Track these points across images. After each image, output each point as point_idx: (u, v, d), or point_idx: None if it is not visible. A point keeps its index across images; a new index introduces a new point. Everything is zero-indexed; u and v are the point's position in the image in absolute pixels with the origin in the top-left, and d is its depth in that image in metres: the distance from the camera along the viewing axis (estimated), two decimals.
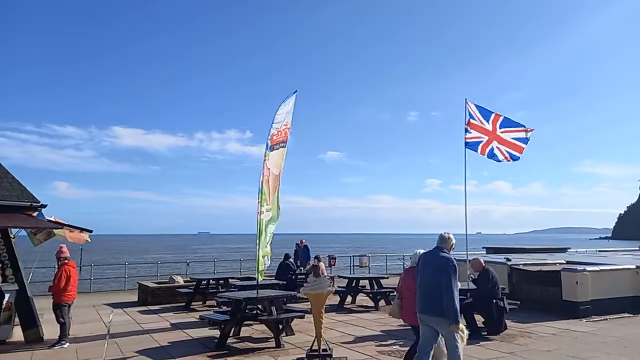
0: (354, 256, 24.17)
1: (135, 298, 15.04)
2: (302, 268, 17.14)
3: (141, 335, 9.56)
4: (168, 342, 8.81)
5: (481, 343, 8.43)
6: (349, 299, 13.48)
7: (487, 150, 10.59)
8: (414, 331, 5.98)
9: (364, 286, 13.78)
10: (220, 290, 13.43)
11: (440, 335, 5.51)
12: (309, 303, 9.40)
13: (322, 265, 14.54)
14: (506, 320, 9.43)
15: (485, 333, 9.08)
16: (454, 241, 5.72)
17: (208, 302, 13.70)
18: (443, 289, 5.21)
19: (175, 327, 10.41)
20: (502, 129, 10.59)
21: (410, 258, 6.45)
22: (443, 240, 5.66)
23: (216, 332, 9.21)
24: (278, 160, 9.07)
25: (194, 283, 13.99)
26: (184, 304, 13.40)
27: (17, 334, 9.10)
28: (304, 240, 18.80)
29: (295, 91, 9.42)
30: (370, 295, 12.96)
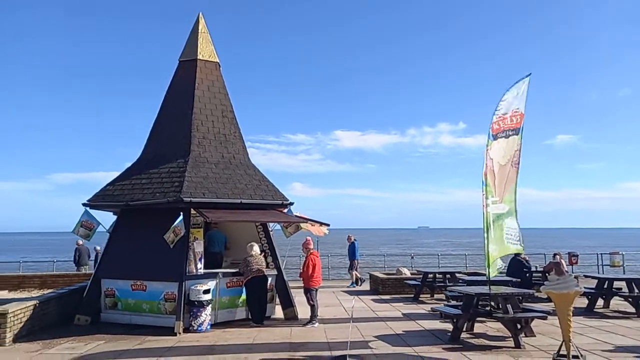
0: (602, 254, 20.81)
1: (367, 287, 16.24)
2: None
3: (377, 322, 10.23)
4: (402, 331, 9.19)
5: None
6: (599, 302, 11.67)
7: None
8: None
9: (620, 288, 11.72)
10: (447, 284, 13.34)
11: None
12: (548, 304, 8.55)
13: (563, 263, 13.00)
14: None
15: None
16: None
17: (436, 295, 13.79)
18: None
19: (407, 317, 10.79)
20: None
21: None
22: None
23: (447, 326, 9.19)
24: (505, 150, 8.46)
25: (421, 276, 14.25)
26: (411, 295, 13.79)
27: (278, 312, 10.81)
28: (351, 237, 17.42)
29: (529, 74, 8.54)
30: (631, 299, 10.94)
